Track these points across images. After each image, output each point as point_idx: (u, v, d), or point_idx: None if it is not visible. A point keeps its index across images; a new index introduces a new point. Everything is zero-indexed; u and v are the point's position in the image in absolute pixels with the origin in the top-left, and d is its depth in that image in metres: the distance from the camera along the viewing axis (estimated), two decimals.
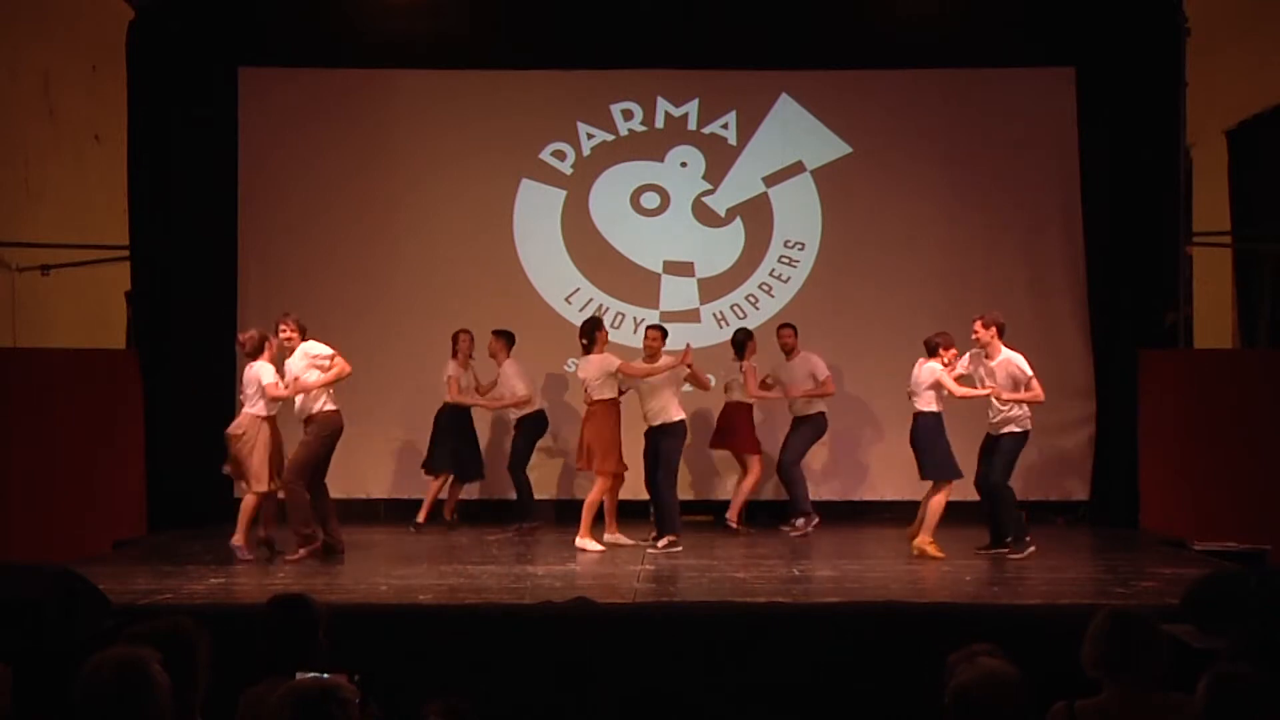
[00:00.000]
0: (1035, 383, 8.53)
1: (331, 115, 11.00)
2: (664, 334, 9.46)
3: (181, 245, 10.65)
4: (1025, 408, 8.58)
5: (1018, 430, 8.58)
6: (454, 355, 10.11)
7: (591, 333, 9.23)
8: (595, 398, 9.08)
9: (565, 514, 10.60)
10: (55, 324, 10.74)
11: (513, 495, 10.19)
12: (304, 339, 8.51)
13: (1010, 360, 8.55)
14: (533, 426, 10.16)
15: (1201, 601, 5.25)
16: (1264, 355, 10.49)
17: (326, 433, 8.42)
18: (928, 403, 8.62)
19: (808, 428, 10.01)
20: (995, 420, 8.62)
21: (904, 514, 10.52)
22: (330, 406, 8.44)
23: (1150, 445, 10.07)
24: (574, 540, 9.02)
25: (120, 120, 10.61)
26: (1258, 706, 3.44)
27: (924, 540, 8.56)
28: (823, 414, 10.01)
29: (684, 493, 10.75)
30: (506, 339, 10.14)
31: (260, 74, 11.00)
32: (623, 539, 9.28)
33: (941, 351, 8.65)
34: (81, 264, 10.87)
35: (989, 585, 7.64)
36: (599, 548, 8.95)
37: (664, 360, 9.15)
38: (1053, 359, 10.19)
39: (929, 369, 8.60)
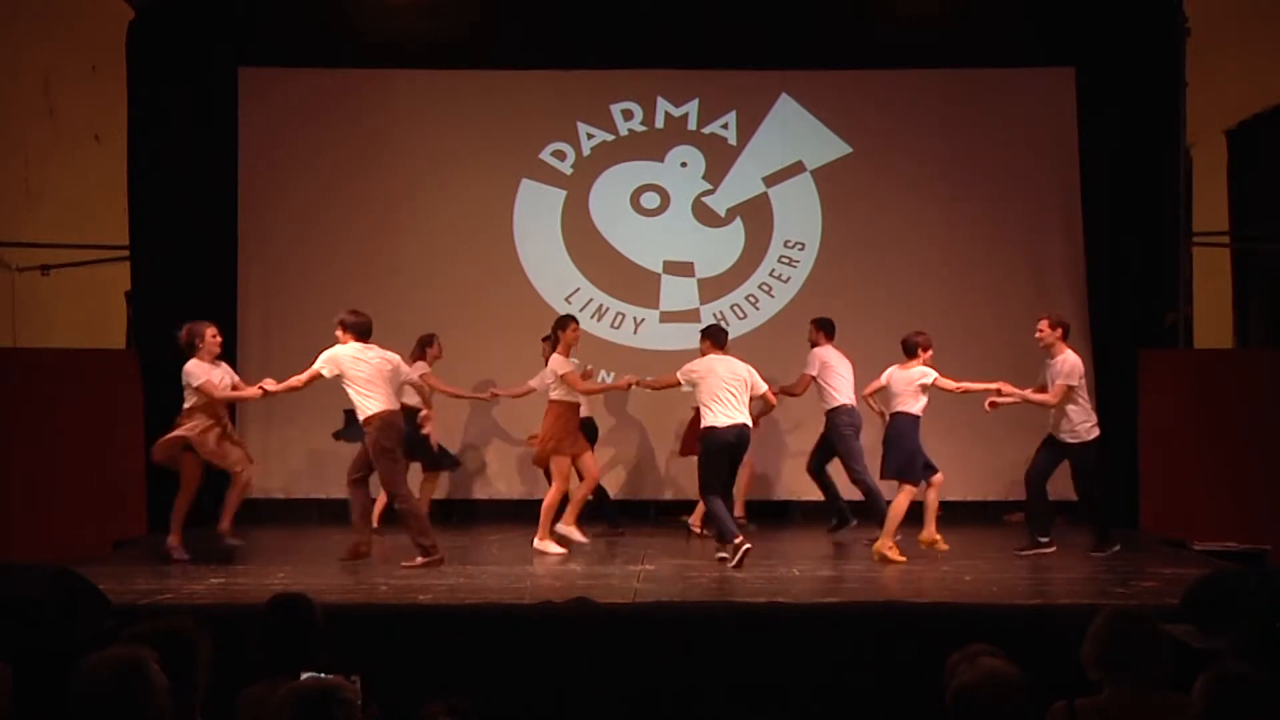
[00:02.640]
0: (1060, 388, 8.42)
1: (331, 115, 11.00)
2: (717, 340, 8.67)
3: (181, 245, 10.63)
4: (1081, 412, 8.52)
5: (1070, 442, 8.55)
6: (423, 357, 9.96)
7: (555, 331, 9.12)
8: (550, 397, 9.00)
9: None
10: (55, 324, 10.74)
11: (514, 495, 10.12)
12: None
13: (1059, 361, 8.50)
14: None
15: (1201, 601, 5.24)
16: (1264, 355, 10.48)
17: (380, 437, 8.10)
18: (904, 403, 8.56)
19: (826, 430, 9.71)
20: (1052, 424, 8.63)
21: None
22: (377, 408, 8.08)
23: (1150, 445, 10.06)
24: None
25: (120, 120, 10.61)
26: (1258, 706, 3.44)
27: (883, 544, 8.39)
28: (834, 409, 9.53)
29: (684, 493, 10.77)
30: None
31: (260, 74, 11.01)
32: (575, 533, 9.08)
33: (920, 352, 8.62)
34: (81, 264, 10.87)
35: (989, 585, 7.63)
36: (559, 550, 8.74)
37: (600, 384, 8.95)
38: None
39: (921, 371, 8.57)
